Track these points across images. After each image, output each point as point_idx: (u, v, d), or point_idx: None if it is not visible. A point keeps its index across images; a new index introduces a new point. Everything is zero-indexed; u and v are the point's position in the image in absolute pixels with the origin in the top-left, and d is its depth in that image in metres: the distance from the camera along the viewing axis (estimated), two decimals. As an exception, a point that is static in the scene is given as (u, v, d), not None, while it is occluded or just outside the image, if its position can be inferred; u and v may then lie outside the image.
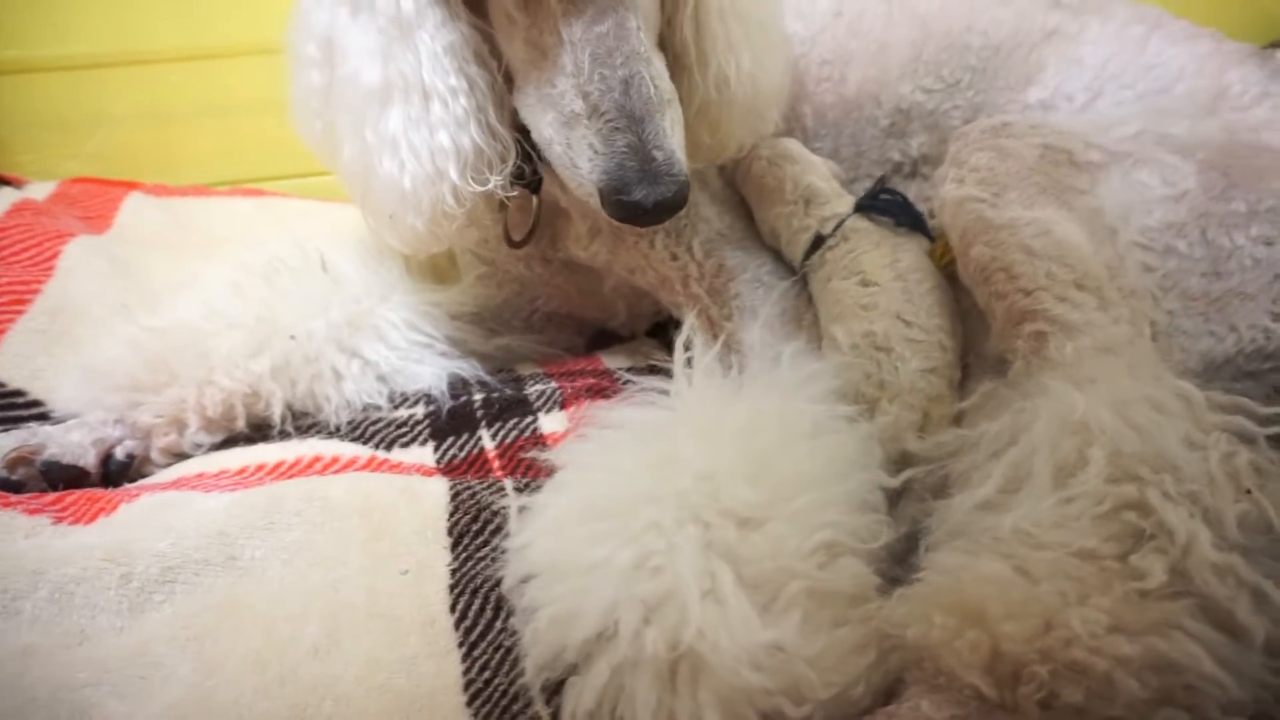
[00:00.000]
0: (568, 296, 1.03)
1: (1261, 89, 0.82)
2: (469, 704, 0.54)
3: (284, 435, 0.83)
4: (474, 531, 0.65)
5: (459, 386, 0.90)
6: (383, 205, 0.77)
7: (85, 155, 1.43)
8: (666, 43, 0.78)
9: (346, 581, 0.60)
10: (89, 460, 0.77)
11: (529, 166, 0.81)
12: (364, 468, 0.74)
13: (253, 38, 1.41)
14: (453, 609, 0.59)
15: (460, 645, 0.57)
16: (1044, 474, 0.57)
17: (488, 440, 0.81)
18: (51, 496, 0.70)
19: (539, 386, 0.89)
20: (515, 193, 0.82)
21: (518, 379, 0.92)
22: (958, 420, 0.69)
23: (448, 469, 0.78)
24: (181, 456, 0.81)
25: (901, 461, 0.67)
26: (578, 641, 0.52)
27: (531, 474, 0.75)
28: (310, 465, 0.74)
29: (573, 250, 0.94)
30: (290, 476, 0.72)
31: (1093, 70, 0.90)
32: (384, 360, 0.89)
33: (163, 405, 0.80)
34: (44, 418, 0.83)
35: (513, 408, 0.85)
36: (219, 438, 0.82)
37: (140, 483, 0.77)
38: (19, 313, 0.90)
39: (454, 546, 0.64)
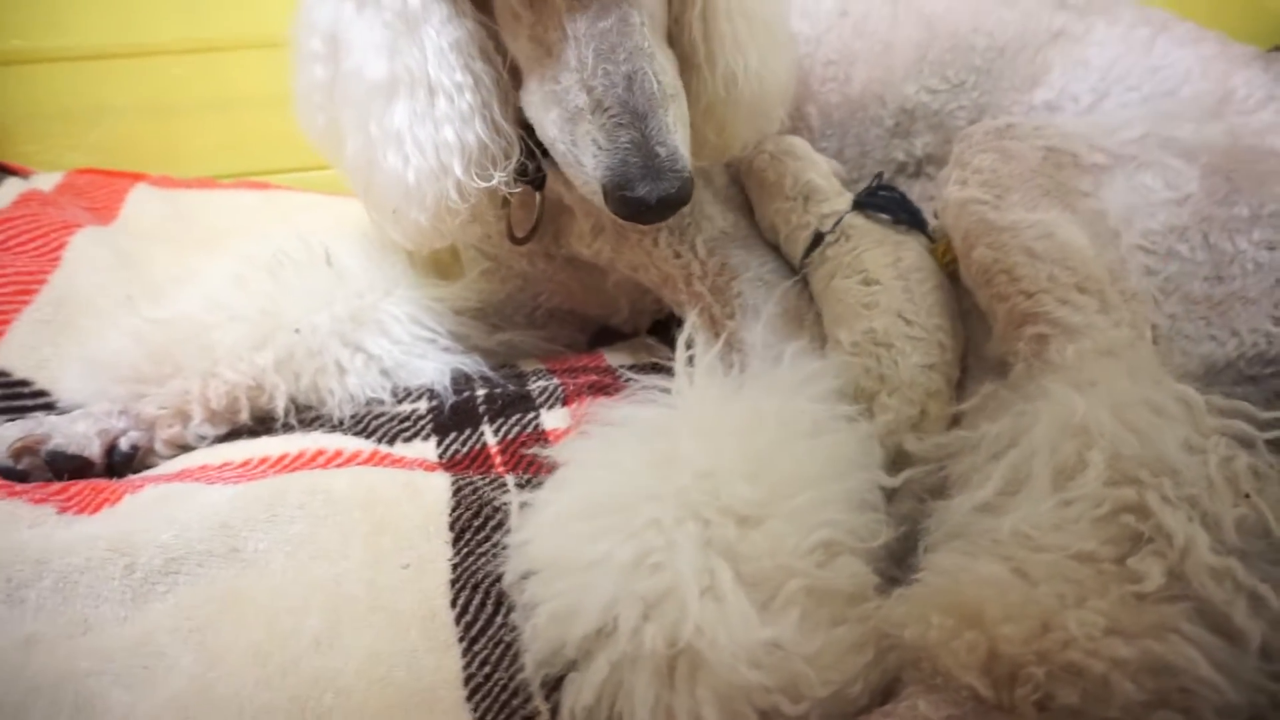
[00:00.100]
0: (571, 293, 1.03)
1: (1266, 93, 0.82)
2: (469, 698, 0.55)
3: (287, 428, 0.83)
4: (475, 527, 0.66)
5: (462, 382, 0.90)
6: (386, 200, 0.78)
7: (88, 147, 1.43)
8: (675, 41, 0.78)
9: (348, 575, 0.61)
10: (94, 451, 0.77)
11: (533, 163, 0.81)
12: (367, 462, 0.74)
13: (256, 31, 1.41)
14: (453, 604, 0.60)
15: (460, 640, 0.58)
16: (1043, 476, 0.57)
17: (490, 436, 0.82)
18: (56, 486, 0.70)
19: (541, 383, 0.89)
20: (519, 189, 0.82)
21: (520, 375, 0.92)
22: (958, 421, 0.69)
23: (450, 464, 0.78)
24: (185, 448, 0.81)
25: (900, 459, 0.67)
26: (577, 637, 0.53)
27: (533, 470, 0.75)
28: (313, 459, 0.74)
29: (576, 247, 0.94)
30: (293, 469, 0.72)
31: (1099, 72, 0.90)
32: (387, 355, 0.90)
33: (167, 397, 0.81)
34: (49, 408, 0.83)
35: (515, 404, 0.86)
36: (223, 430, 0.83)
37: (144, 474, 0.78)
38: (25, 303, 0.90)
39: (455, 541, 0.64)
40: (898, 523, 0.62)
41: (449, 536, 0.65)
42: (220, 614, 0.58)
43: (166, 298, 0.92)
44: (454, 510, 0.67)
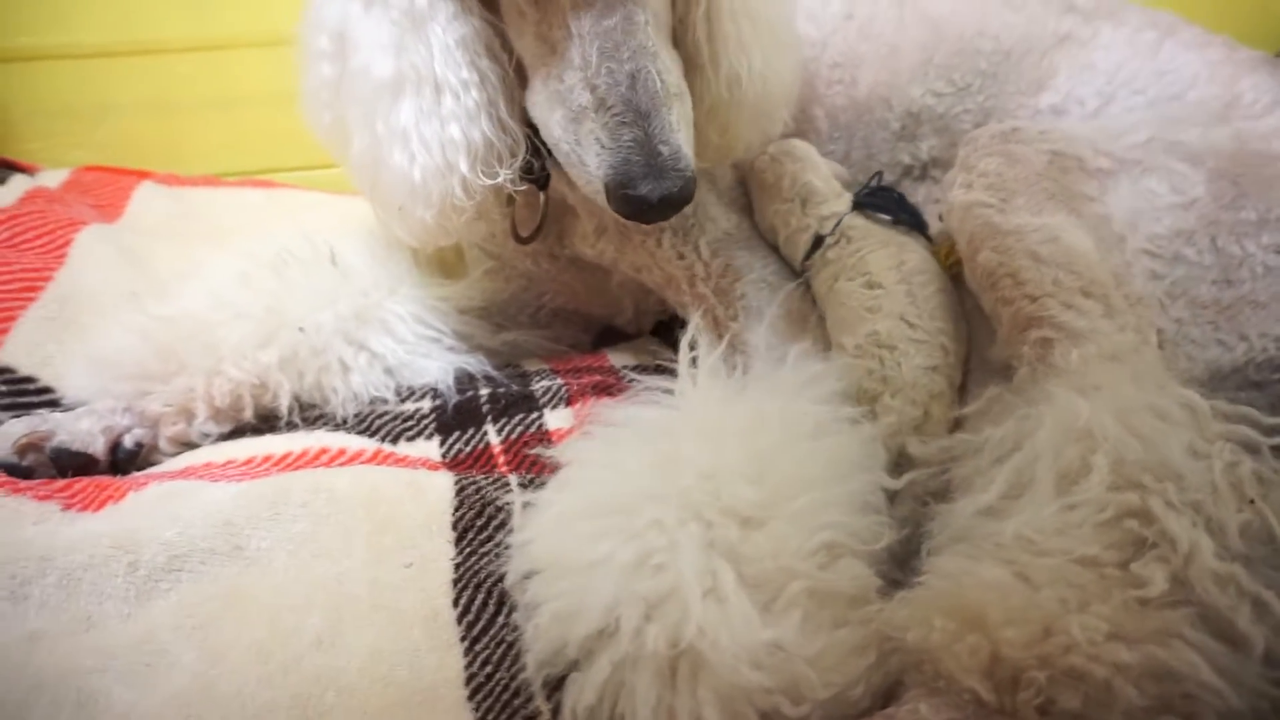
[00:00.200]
0: (574, 293, 1.03)
1: (1273, 97, 0.82)
2: (470, 698, 0.55)
3: (291, 426, 0.83)
4: (478, 526, 0.66)
5: (465, 381, 0.90)
6: (392, 197, 0.78)
7: (94, 144, 1.43)
8: (679, 42, 0.78)
9: (351, 574, 0.61)
10: (98, 448, 0.77)
11: (538, 162, 0.81)
12: (370, 460, 0.74)
13: (261, 29, 1.41)
14: (456, 603, 0.60)
15: (462, 639, 0.58)
16: (1047, 481, 0.57)
17: (493, 435, 0.82)
18: (61, 483, 0.71)
19: (545, 383, 0.89)
20: (524, 187, 0.82)
21: (524, 375, 0.93)
22: (961, 425, 0.69)
23: (453, 463, 0.78)
24: (189, 446, 0.82)
25: (903, 461, 0.67)
26: (579, 637, 0.53)
27: (536, 470, 0.75)
28: (317, 457, 0.74)
29: (579, 248, 0.94)
30: (297, 468, 0.72)
31: (1105, 75, 0.90)
32: (391, 354, 0.90)
33: (171, 394, 0.81)
34: (54, 404, 0.83)
35: (519, 403, 0.86)
36: (227, 428, 0.83)
37: (148, 471, 0.78)
38: (30, 300, 0.90)
39: (458, 541, 0.64)
40: (900, 525, 0.62)
41: (451, 536, 0.65)
42: (223, 612, 0.58)
43: (171, 295, 0.92)
44: (457, 510, 0.67)
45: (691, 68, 0.78)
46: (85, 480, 0.72)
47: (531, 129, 0.78)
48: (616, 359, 0.98)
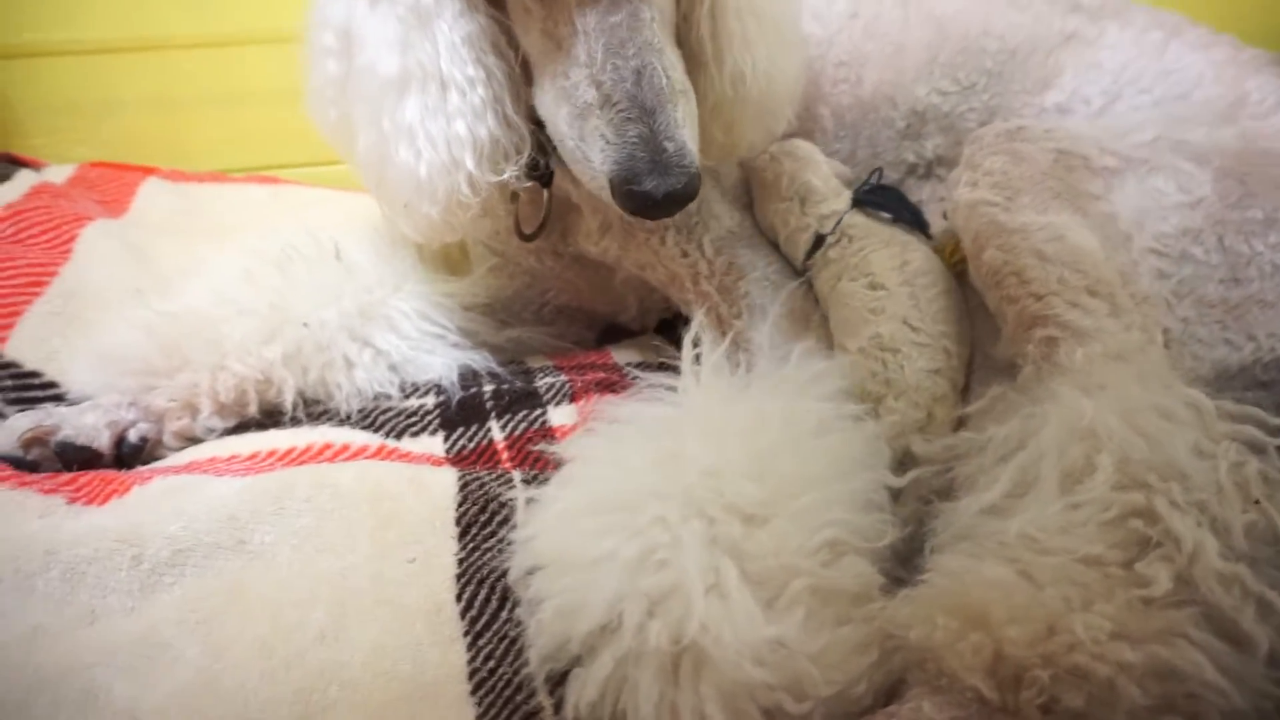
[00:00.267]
0: (578, 290, 1.03)
1: (1279, 98, 0.82)
2: (473, 692, 0.55)
3: (295, 422, 0.83)
4: (481, 522, 0.66)
5: (469, 377, 0.90)
6: (398, 194, 0.78)
7: (98, 140, 1.44)
8: (683, 39, 0.78)
9: (354, 568, 0.61)
10: (102, 442, 0.78)
11: (542, 159, 0.81)
12: (374, 456, 0.74)
13: (264, 26, 1.42)
14: (459, 598, 0.60)
15: (465, 634, 0.58)
16: (1051, 479, 0.57)
17: (497, 431, 0.82)
18: (66, 477, 0.71)
19: (549, 379, 0.89)
20: (529, 184, 0.82)
21: (528, 371, 0.93)
22: (965, 424, 0.69)
23: (457, 459, 0.78)
24: (194, 441, 0.82)
25: (907, 460, 0.67)
26: (582, 633, 0.53)
27: (539, 466, 0.75)
28: (321, 452, 0.74)
29: (583, 245, 0.94)
30: (301, 463, 0.73)
31: (1111, 74, 0.90)
32: (395, 350, 0.90)
33: (175, 389, 0.81)
34: (59, 399, 0.84)
35: (522, 400, 0.86)
36: (231, 423, 0.83)
37: (153, 466, 0.78)
38: (36, 294, 0.90)
39: (461, 536, 0.64)
40: (903, 523, 0.62)
41: (455, 531, 0.65)
42: (226, 606, 0.58)
43: (176, 291, 0.92)
44: (460, 505, 0.67)
45: (695, 65, 0.78)
46: (90, 474, 0.72)
47: (537, 125, 0.78)
48: (620, 356, 0.98)
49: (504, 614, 0.59)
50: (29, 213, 1.02)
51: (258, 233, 1.02)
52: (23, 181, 1.13)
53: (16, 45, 1.38)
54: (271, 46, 1.40)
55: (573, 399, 0.86)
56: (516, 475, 0.72)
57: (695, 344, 0.69)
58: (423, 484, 0.69)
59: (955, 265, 0.80)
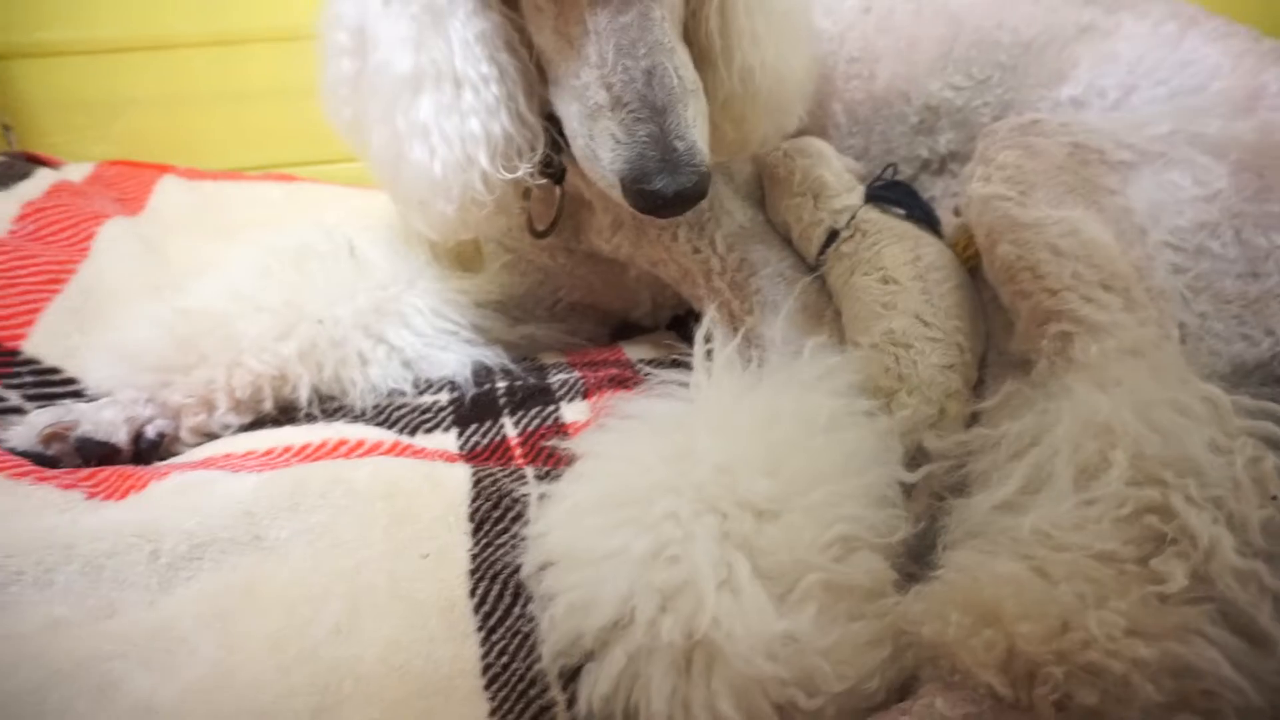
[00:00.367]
0: (591, 287, 1.03)
1: (1299, 89, 0.81)
2: (486, 687, 0.55)
3: (310, 418, 0.84)
4: (495, 518, 0.66)
5: (483, 374, 0.90)
6: (413, 192, 0.78)
7: (112, 139, 1.45)
8: (692, 35, 0.78)
9: (368, 564, 0.61)
10: (121, 438, 0.78)
11: (556, 156, 0.82)
12: (388, 452, 0.75)
13: (277, 24, 1.43)
14: (472, 594, 0.60)
15: (479, 630, 0.58)
16: (1065, 475, 0.56)
17: (510, 428, 0.82)
18: (85, 472, 0.72)
19: (562, 376, 0.89)
20: (542, 182, 0.82)
21: (541, 368, 0.93)
22: (979, 419, 0.68)
23: (470, 455, 0.79)
24: (210, 436, 0.83)
25: (919, 456, 0.67)
26: (594, 628, 0.53)
27: (552, 462, 0.75)
28: (335, 448, 0.75)
29: (595, 242, 0.94)
30: (316, 459, 0.73)
31: (1127, 67, 0.89)
32: (409, 346, 0.90)
33: (192, 386, 0.82)
34: (78, 395, 0.84)
35: (535, 396, 0.86)
36: (247, 419, 0.84)
37: (170, 461, 0.79)
38: (55, 291, 0.91)
39: (475, 532, 0.65)
40: (916, 519, 0.62)
41: (469, 527, 0.65)
42: (242, 601, 0.59)
43: (192, 288, 0.93)
44: (474, 501, 0.67)
45: (704, 61, 0.78)
46: (109, 470, 0.73)
47: (551, 121, 0.78)
48: (633, 353, 0.98)
49: (517, 609, 0.59)
50: (49, 210, 1.03)
51: (273, 230, 1.03)
52: (43, 180, 1.14)
53: (31, 44, 1.40)
54: (284, 44, 1.42)
55: (585, 395, 0.86)
56: (529, 471, 0.73)
57: (707, 340, 0.69)
58: (436, 480, 0.70)
59: (969, 260, 0.80)
